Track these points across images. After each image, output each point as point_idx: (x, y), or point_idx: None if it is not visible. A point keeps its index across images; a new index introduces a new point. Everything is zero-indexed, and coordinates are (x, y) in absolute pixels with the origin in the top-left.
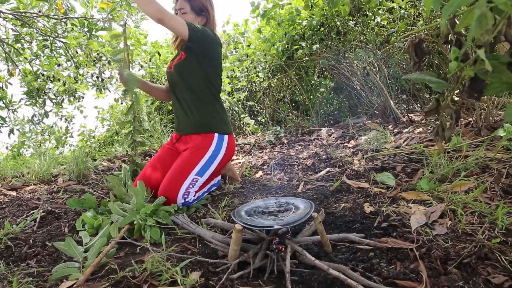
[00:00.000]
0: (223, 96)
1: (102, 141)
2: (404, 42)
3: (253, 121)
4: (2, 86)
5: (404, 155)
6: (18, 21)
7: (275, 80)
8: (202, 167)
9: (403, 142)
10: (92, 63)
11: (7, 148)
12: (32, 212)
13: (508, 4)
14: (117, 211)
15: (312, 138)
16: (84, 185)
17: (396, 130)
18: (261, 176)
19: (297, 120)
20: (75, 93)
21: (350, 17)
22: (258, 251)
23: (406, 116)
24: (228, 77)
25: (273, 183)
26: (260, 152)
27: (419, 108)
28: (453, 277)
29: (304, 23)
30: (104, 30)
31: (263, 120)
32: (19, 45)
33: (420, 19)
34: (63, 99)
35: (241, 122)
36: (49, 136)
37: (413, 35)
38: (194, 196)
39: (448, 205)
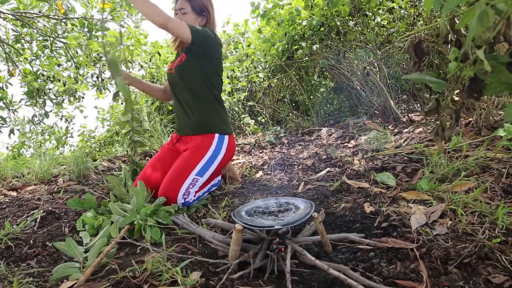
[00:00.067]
0: (223, 96)
1: (102, 141)
2: (404, 42)
3: (253, 121)
4: (3, 87)
5: (404, 155)
6: (18, 21)
7: (275, 80)
8: (202, 167)
9: (403, 142)
10: (92, 64)
11: (7, 148)
12: (32, 212)
13: (508, 2)
14: (117, 211)
15: (312, 138)
16: (84, 185)
17: (396, 130)
18: (261, 176)
19: (297, 120)
20: (75, 93)
21: (350, 17)
22: (259, 251)
23: (406, 116)
24: (228, 77)
25: (273, 183)
26: (260, 152)
27: (419, 108)
28: (453, 277)
29: (304, 23)
30: (102, 30)
31: (263, 120)
32: (19, 45)
33: (420, 19)
34: (63, 99)
35: (241, 122)
36: (49, 136)
37: (413, 35)
38: (194, 196)
39: (448, 205)
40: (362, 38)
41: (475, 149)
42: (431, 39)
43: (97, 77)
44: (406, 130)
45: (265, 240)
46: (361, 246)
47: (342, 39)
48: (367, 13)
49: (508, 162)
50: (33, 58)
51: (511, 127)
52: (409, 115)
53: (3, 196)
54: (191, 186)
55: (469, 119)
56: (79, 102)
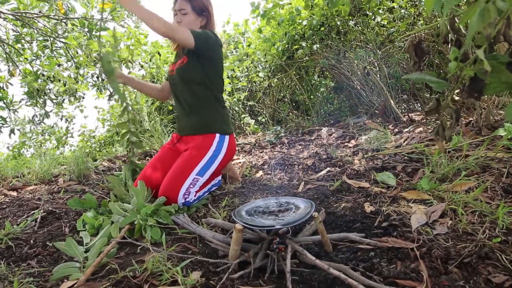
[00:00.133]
0: (223, 96)
1: (102, 141)
2: (405, 42)
3: (254, 121)
4: (3, 87)
5: (404, 155)
6: (18, 21)
7: (275, 80)
8: (202, 167)
9: (404, 142)
10: (92, 64)
11: (8, 148)
12: (32, 212)
13: (508, 1)
14: (117, 211)
15: (312, 138)
16: (84, 185)
17: (396, 130)
18: (261, 176)
19: (298, 119)
20: (75, 93)
21: (350, 17)
22: (259, 250)
23: (407, 116)
24: (228, 77)
25: (274, 183)
26: (261, 152)
27: (420, 108)
28: (453, 277)
29: (304, 23)
30: (103, 30)
31: (263, 120)
32: (19, 45)
33: (421, 19)
34: (64, 99)
35: (242, 122)
36: (50, 136)
37: (413, 35)
38: (194, 196)
39: (448, 205)
40: (362, 37)
41: (476, 149)
42: (431, 39)
43: (97, 77)
44: (406, 129)
45: (265, 240)
46: (362, 246)
47: (342, 38)
48: (367, 12)
49: (509, 161)
50: (33, 58)
51: (511, 126)
52: (410, 114)
53: (3, 196)
54: (191, 186)
55: (470, 119)
56: (79, 102)
